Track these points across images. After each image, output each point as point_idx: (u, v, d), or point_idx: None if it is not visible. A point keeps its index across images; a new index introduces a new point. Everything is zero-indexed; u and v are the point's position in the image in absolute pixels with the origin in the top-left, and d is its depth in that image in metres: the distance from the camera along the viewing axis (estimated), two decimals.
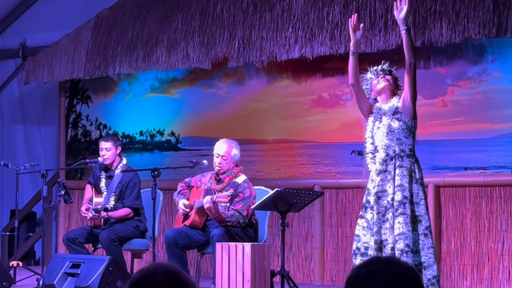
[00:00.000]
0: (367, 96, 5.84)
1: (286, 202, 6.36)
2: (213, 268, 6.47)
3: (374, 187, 5.64)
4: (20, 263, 7.88)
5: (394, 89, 5.79)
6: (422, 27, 7.27)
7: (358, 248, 5.66)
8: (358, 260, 5.60)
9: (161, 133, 9.43)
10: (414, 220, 5.53)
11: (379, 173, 5.63)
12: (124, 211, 7.33)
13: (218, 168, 6.89)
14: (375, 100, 5.81)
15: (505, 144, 7.41)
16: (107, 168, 7.51)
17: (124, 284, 6.22)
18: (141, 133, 9.56)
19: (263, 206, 6.50)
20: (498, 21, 6.96)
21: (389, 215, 5.54)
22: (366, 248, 5.63)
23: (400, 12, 5.57)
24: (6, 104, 10.70)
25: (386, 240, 5.53)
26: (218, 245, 6.30)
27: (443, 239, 7.56)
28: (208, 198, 6.63)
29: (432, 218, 7.52)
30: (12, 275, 7.60)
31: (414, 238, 5.50)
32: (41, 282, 6.78)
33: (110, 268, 6.48)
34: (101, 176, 7.53)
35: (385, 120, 5.66)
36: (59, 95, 10.11)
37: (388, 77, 5.76)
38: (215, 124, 8.98)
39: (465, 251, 7.47)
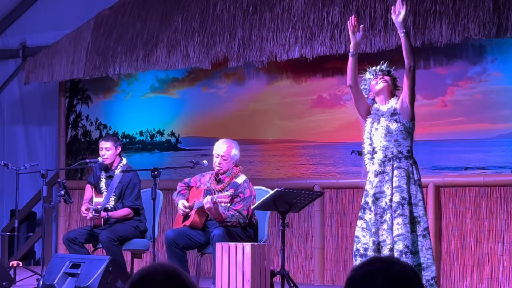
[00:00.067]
0: (366, 96, 5.85)
1: (286, 202, 6.36)
2: (213, 268, 6.47)
3: (372, 188, 5.65)
4: (20, 263, 7.88)
5: (393, 90, 5.80)
6: (422, 27, 7.27)
7: (357, 250, 5.67)
8: (358, 262, 5.61)
9: (161, 133, 9.43)
10: (412, 221, 5.55)
11: (377, 174, 5.64)
12: (124, 211, 7.33)
13: (218, 168, 6.89)
14: (373, 100, 5.81)
15: (505, 144, 7.41)
16: (107, 168, 7.51)
17: (124, 284, 6.22)
18: (141, 133, 9.56)
19: (263, 206, 6.50)
20: (498, 21, 6.96)
21: (387, 216, 5.54)
22: (366, 249, 5.64)
23: (398, 15, 5.59)
24: (6, 104, 10.71)
25: (384, 241, 5.53)
26: (218, 245, 6.30)
27: (443, 239, 7.57)
28: (208, 198, 6.63)
29: (432, 218, 7.53)
30: (12, 275, 7.60)
31: (413, 239, 5.51)
32: (41, 282, 6.78)
33: (110, 268, 6.48)
34: (101, 176, 7.53)
35: (383, 121, 5.67)
36: (59, 95, 10.11)
37: (387, 77, 5.77)
38: (215, 124, 8.98)
39: (465, 251, 7.47)
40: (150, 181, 6.62)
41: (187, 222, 6.89)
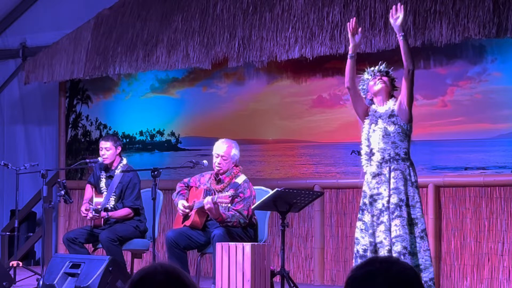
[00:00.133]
0: (364, 96, 5.86)
1: (286, 202, 6.36)
2: (213, 268, 6.47)
3: (369, 190, 5.67)
4: (20, 263, 7.88)
5: (391, 91, 5.81)
6: (422, 27, 7.27)
7: (358, 251, 5.68)
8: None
9: (161, 133, 9.43)
10: (410, 223, 5.57)
11: (375, 176, 5.66)
12: (124, 211, 7.33)
13: (218, 168, 6.89)
14: (371, 101, 5.83)
15: (505, 144, 7.41)
16: (107, 168, 7.51)
17: (124, 284, 6.22)
18: (141, 133, 9.56)
19: (263, 206, 6.50)
20: (498, 21, 6.96)
21: (385, 218, 5.55)
22: (365, 251, 5.65)
23: (397, 19, 5.60)
24: (6, 104, 10.71)
25: (382, 242, 5.54)
26: (218, 245, 6.30)
27: (443, 239, 7.57)
28: (208, 198, 6.62)
29: (432, 218, 7.54)
30: (12, 275, 7.60)
31: (411, 241, 5.53)
32: (41, 282, 6.78)
33: (110, 268, 6.48)
34: (101, 176, 7.53)
35: (381, 123, 5.68)
36: (59, 95, 10.11)
37: (385, 78, 5.78)
38: (215, 124, 8.98)
39: (465, 251, 7.47)
40: (150, 181, 6.61)
41: (187, 223, 6.88)
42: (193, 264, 8.23)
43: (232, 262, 6.21)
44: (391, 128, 5.65)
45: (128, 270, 7.19)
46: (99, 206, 7.27)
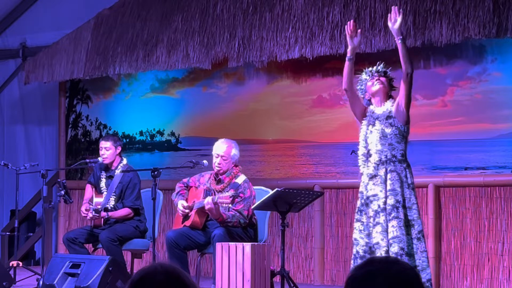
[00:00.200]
0: (362, 96, 5.87)
1: (286, 202, 6.36)
2: (213, 268, 6.47)
3: (366, 191, 5.68)
4: (20, 263, 7.88)
5: (389, 91, 5.83)
6: (422, 27, 7.27)
7: (357, 252, 5.69)
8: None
9: (161, 133, 9.43)
10: (407, 224, 5.58)
11: (371, 177, 5.67)
12: (124, 211, 7.33)
13: (218, 168, 6.88)
14: (369, 101, 5.84)
15: (505, 144, 7.41)
16: (107, 168, 7.51)
17: (124, 284, 6.22)
18: (141, 133, 9.56)
19: (263, 206, 6.50)
20: (498, 21, 6.96)
21: (381, 219, 5.56)
22: (365, 251, 5.66)
23: (395, 23, 5.61)
24: (6, 104, 10.71)
25: (378, 243, 5.55)
26: (218, 245, 6.30)
27: (443, 239, 7.57)
28: (209, 199, 6.62)
29: (432, 218, 7.54)
30: (12, 275, 7.60)
31: (408, 242, 5.54)
32: (41, 282, 6.78)
33: (110, 268, 6.48)
34: (101, 176, 7.53)
35: (378, 124, 5.70)
36: (59, 95, 10.12)
37: (383, 79, 5.79)
38: (215, 124, 8.98)
39: (465, 251, 7.47)
40: (150, 181, 6.61)
41: (187, 223, 6.88)
42: (193, 264, 8.23)
43: (232, 262, 6.21)
44: (388, 130, 5.67)
45: (128, 270, 7.19)
46: (99, 206, 7.27)
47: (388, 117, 5.69)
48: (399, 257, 5.43)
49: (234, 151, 6.93)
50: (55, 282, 6.57)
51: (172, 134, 9.35)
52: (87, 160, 7.62)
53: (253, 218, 6.87)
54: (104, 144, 7.45)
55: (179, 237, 6.77)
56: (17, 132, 10.60)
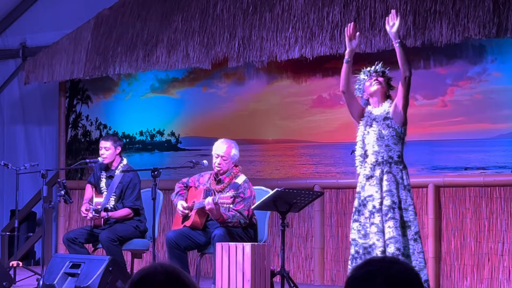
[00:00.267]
0: (360, 95, 5.88)
1: (286, 202, 6.36)
2: (213, 268, 6.47)
3: (362, 191, 5.69)
4: (20, 263, 7.88)
5: (386, 91, 5.84)
6: (422, 27, 7.27)
7: (356, 252, 5.68)
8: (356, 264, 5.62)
9: (161, 133, 9.43)
10: (403, 226, 5.59)
11: (368, 178, 5.68)
12: (124, 212, 7.33)
13: (218, 168, 6.88)
14: (367, 101, 5.85)
15: (505, 144, 7.41)
16: (108, 168, 7.51)
17: (124, 284, 6.22)
18: (141, 133, 9.56)
19: (263, 206, 6.50)
20: (498, 21, 6.96)
21: (377, 219, 5.58)
22: (362, 252, 5.67)
23: (392, 26, 5.62)
24: (6, 104, 10.71)
25: (374, 244, 5.56)
26: (218, 245, 6.30)
27: (443, 239, 7.57)
28: (209, 199, 6.61)
29: (432, 218, 7.54)
30: (12, 275, 7.60)
31: (404, 243, 5.55)
32: (41, 282, 6.78)
33: (110, 268, 6.48)
34: (101, 176, 7.53)
35: (375, 126, 5.71)
36: (59, 95, 10.11)
37: (381, 79, 5.79)
38: (215, 124, 8.98)
39: (465, 251, 7.47)
40: (150, 181, 6.61)
41: (188, 223, 6.88)
42: (193, 264, 8.23)
43: (232, 262, 6.21)
44: (385, 131, 5.68)
45: (128, 270, 7.19)
46: (99, 206, 7.26)
47: (386, 118, 5.70)
48: None
49: (234, 151, 6.93)
50: (55, 282, 6.57)
51: (172, 134, 9.35)
52: (87, 160, 7.62)
53: (253, 218, 6.87)
54: (104, 144, 7.45)
55: (180, 237, 6.77)
56: (17, 132, 10.60)
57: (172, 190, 7.17)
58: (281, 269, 6.32)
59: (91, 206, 7.25)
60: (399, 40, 5.61)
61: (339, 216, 8.13)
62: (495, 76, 7.47)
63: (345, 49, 6.88)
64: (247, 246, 6.21)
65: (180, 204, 6.91)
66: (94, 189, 7.55)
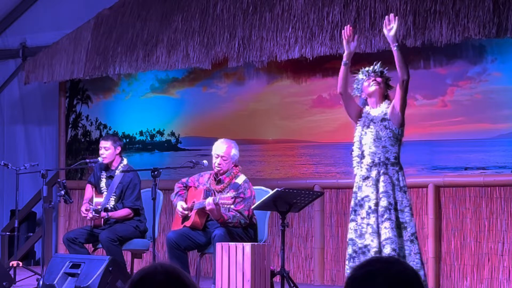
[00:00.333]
0: (358, 95, 5.89)
1: (286, 202, 6.36)
2: (213, 268, 6.47)
3: (359, 191, 5.70)
4: (20, 263, 7.88)
5: (385, 92, 5.84)
6: (422, 27, 7.27)
7: (354, 251, 5.69)
8: (357, 263, 5.63)
9: (161, 133, 9.43)
10: (399, 227, 5.60)
11: (364, 179, 5.69)
12: (124, 212, 7.33)
13: (218, 168, 6.88)
14: (365, 101, 5.85)
15: (505, 144, 7.41)
16: (108, 168, 7.51)
17: (124, 284, 6.22)
18: (141, 133, 9.56)
19: (263, 206, 6.50)
20: (498, 21, 6.96)
21: (371, 220, 5.59)
22: (358, 252, 5.68)
23: (390, 30, 5.62)
24: (6, 104, 10.71)
25: (369, 244, 5.57)
26: (218, 245, 6.30)
27: (443, 239, 7.57)
28: (210, 200, 6.61)
29: (432, 218, 7.54)
30: (12, 275, 7.60)
31: (400, 244, 5.56)
32: (41, 282, 6.78)
33: (110, 268, 6.48)
34: (101, 176, 7.53)
35: (373, 127, 5.72)
36: (59, 95, 10.11)
37: (379, 79, 5.80)
38: (215, 124, 8.98)
39: (465, 251, 7.47)
40: (150, 181, 6.61)
41: (188, 223, 6.87)
42: (193, 264, 8.23)
43: (232, 262, 6.21)
44: (382, 132, 5.70)
45: (128, 270, 7.19)
46: (99, 206, 7.26)
47: (383, 119, 5.71)
48: None
49: (234, 151, 6.92)
50: (55, 282, 6.57)
51: (172, 134, 9.35)
52: (87, 160, 7.62)
53: (253, 218, 6.87)
54: (104, 144, 7.45)
55: (180, 237, 6.76)
56: (17, 132, 10.60)
57: (172, 190, 7.17)
58: (281, 269, 6.32)
59: (91, 206, 7.24)
60: (397, 44, 5.62)
61: (339, 216, 8.13)
62: (495, 76, 7.47)
63: None
64: (247, 246, 6.21)
65: (180, 205, 6.91)
66: (94, 189, 7.55)
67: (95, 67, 9.26)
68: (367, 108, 5.82)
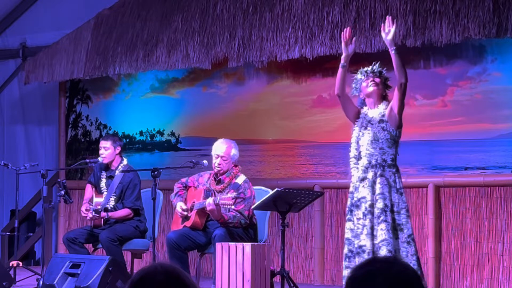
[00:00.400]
0: (357, 94, 5.90)
1: (286, 202, 6.36)
2: (213, 268, 6.46)
3: (356, 192, 5.71)
4: (20, 263, 7.88)
5: (383, 92, 5.85)
6: (422, 27, 7.27)
7: (350, 251, 5.70)
8: (357, 262, 5.64)
9: (161, 133, 9.43)
10: (395, 228, 5.60)
11: (361, 180, 5.70)
12: (124, 212, 7.33)
13: (218, 168, 6.87)
14: (363, 101, 5.86)
15: (505, 144, 7.41)
16: (108, 168, 7.51)
17: (124, 284, 6.22)
18: (141, 133, 9.56)
19: (263, 206, 6.50)
20: (498, 21, 6.96)
21: (366, 221, 5.59)
22: (355, 252, 5.69)
23: (388, 34, 5.63)
24: (6, 104, 10.71)
25: (365, 245, 5.57)
26: (218, 245, 6.30)
27: (443, 239, 7.57)
28: (210, 200, 6.60)
29: (432, 218, 7.54)
30: (12, 275, 7.60)
31: (396, 246, 5.57)
32: (41, 282, 6.78)
33: (110, 268, 6.48)
34: (101, 176, 7.53)
35: (371, 128, 5.73)
36: (59, 95, 10.11)
37: (377, 80, 5.80)
38: (215, 124, 8.98)
39: (465, 251, 7.47)
40: (150, 181, 6.61)
41: (188, 223, 6.87)
42: (193, 264, 8.23)
43: (232, 262, 6.21)
44: (380, 134, 5.70)
45: (128, 270, 7.19)
46: (99, 207, 7.26)
47: (381, 121, 5.72)
48: None
49: (234, 151, 6.92)
50: (55, 282, 6.57)
51: (172, 134, 9.35)
52: (87, 160, 7.62)
53: (253, 218, 6.87)
54: (104, 144, 7.45)
55: (180, 238, 6.76)
56: (17, 132, 10.60)
57: (172, 190, 7.17)
58: (281, 269, 6.32)
59: (91, 206, 7.25)
60: (395, 48, 5.63)
61: (339, 216, 8.13)
62: (495, 76, 7.47)
63: None
64: (247, 246, 6.21)
65: (179, 206, 6.90)
66: (94, 189, 7.55)
67: (95, 67, 9.26)
68: (365, 109, 5.83)
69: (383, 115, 5.72)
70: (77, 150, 10.00)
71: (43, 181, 7.46)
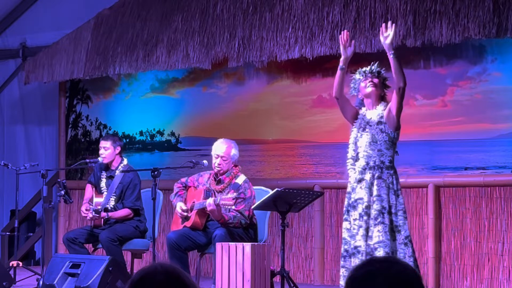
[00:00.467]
0: (355, 94, 5.90)
1: (286, 202, 6.36)
2: (213, 268, 6.46)
3: (354, 193, 5.71)
4: (20, 263, 7.88)
5: (381, 93, 5.85)
6: (422, 27, 7.27)
7: (346, 251, 5.71)
8: (352, 262, 5.65)
9: (161, 133, 9.43)
10: (392, 230, 5.61)
11: (358, 181, 5.71)
12: (124, 212, 7.33)
13: (218, 168, 6.87)
14: (362, 101, 5.86)
15: (505, 144, 7.41)
16: (108, 168, 7.51)
17: (124, 284, 6.22)
18: (141, 133, 9.56)
19: (263, 206, 6.50)
20: (498, 21, 6.96)
21: (362, 222, 5.60)
22: (351, 252, 5.70)
23: (387, 38, 5.63)
24: (6, 104, 10.71)
25: (360, 246, 5.58)
26: (218, 245, 6.30)
27: (443, 239, 7.57)
28: (210, 200, 6.60)
29: (432, 218, 7.54)
30: (12, 275, 7.60)
31: (393, 247, 5.57)
32: (41, 282, 6.78)
33: (110, 268, 6.48)
34: (101, 176, 7.53)
35: (369, 129, 5.73)
36: (59, 95, 10.11)
37: (376, 80, 5.80)
38: (215, 124, 8.98)
39: (465, 251, 7.47)
40: (150, 181, 6.61)
41: (188, 224, 6.87)
42: (193, 264, 8.23)
43: (232, 262, 6.21)
44: (378, 136, 5.70)
45: (128, 270, 7.19)
46: (99, 207, 7.26)
47: (379, 122, 5.72)
48: None
49: (234, 151, 6.92)
50: (55, 282, 6.57)
51: (172, 134, 9.35)
52: (87, 160, 7.62)
53: (253, 218, 6.87)
54: (104, 144, 7.45)
55: (180, 238, 6.76)
56: (17, 132, 10.60)
57: (172, 190, 7.17)
58: (281, 269, 6.32)
59: (91, 206, 7.25)
60: (393, 52, 5.62)
61: (339, 216, 8.12)
62: (495, 76, 7.47)
63: None
64: (247, 246, 6.21)
65: (179, 206, 6.90)
66: (94, 189, 7.55)
67: (95, 67, 9.26)
68: (363, 110, 5.83)
69: (382, 117, 5.72)
70: (77, 150, 10.00)
71: (43, 181, 7.46)
